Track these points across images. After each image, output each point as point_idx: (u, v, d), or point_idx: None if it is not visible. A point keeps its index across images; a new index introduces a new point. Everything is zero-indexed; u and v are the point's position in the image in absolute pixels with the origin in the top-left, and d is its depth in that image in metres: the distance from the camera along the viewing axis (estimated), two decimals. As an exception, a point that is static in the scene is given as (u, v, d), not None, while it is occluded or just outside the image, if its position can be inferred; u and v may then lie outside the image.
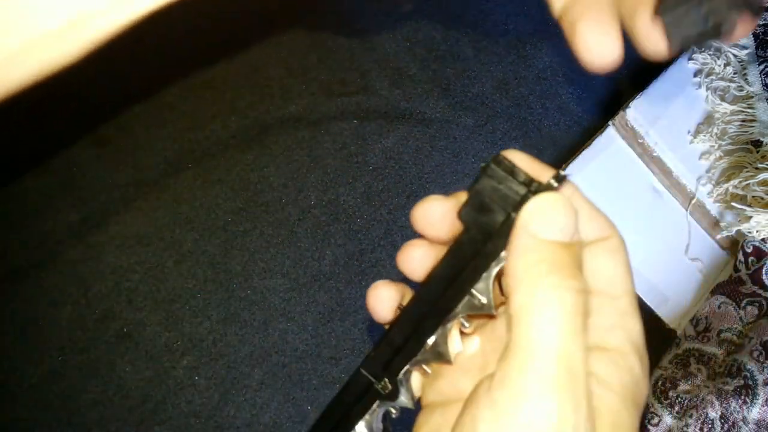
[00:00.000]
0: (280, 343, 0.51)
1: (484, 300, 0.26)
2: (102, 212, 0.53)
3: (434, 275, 0.27)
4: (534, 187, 0.24)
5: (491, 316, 0.28)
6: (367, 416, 0.28)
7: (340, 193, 0.56)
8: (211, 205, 0.54)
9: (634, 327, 0.25)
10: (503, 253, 0.25)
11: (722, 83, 0.64)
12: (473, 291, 0.26)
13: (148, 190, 0.54)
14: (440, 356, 0.27)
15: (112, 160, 0.54)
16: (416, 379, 0.29)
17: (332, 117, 0.58)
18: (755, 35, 0.65)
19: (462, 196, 0.27)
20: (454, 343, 0.28)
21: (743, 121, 0.64)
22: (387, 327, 0.29)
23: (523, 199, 0.24)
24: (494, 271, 0.25)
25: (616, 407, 0.22)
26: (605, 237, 0.26)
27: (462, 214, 0.26)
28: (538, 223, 0.23)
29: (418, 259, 0.28)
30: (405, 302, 0.28)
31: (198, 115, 0.56)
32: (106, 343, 0.50)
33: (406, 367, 0.28)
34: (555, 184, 0.24)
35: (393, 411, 0.28)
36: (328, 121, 0.57)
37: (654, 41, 0.27)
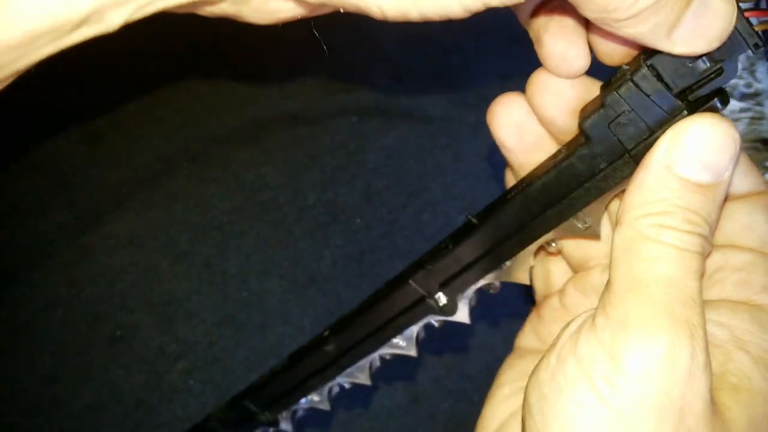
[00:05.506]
0: (277, 347, 0.51)
1: (587, 224, 0.23)
2: (94, 212, 0.52)
3: (530, 187, 0.23)
4: (691, 103, 0.19)
5: (588, 238, 0.26)
6: (413, 325, 0.29)
7: (338, 193, 0.55)
8: (206, 204, 0.53)
9: None
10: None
11: (730, 79, 0.64)
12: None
13: (141, 189, 0.53)
14: (517, 278, 0.26)
15: (104, 159, 0.54)
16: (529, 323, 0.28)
17: (331, 114, 0.57)
18: (765, 31, 0.64)
19: (593, 87, 0.23)
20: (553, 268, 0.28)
21: (752, 118, 0.63)
22: (451, 240, 0.27)
23: (673, 117, 0.20)
24: (612, 195, 0.22)
25: (747, 370, 0.20)
26: (759, 192, 0.23)
27: (586, 123, 0.21)
28: (679, 154, 0.19)
29: (515, 121, 0.26)
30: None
31: (193, 112, 0.56)
32: (99, 347, 0.49)
33: (474, 287, 0.27)
34: (719, 106, 0.19)
35: (435, 323, 0.29)
36: (326, 119, 0.57)
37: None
